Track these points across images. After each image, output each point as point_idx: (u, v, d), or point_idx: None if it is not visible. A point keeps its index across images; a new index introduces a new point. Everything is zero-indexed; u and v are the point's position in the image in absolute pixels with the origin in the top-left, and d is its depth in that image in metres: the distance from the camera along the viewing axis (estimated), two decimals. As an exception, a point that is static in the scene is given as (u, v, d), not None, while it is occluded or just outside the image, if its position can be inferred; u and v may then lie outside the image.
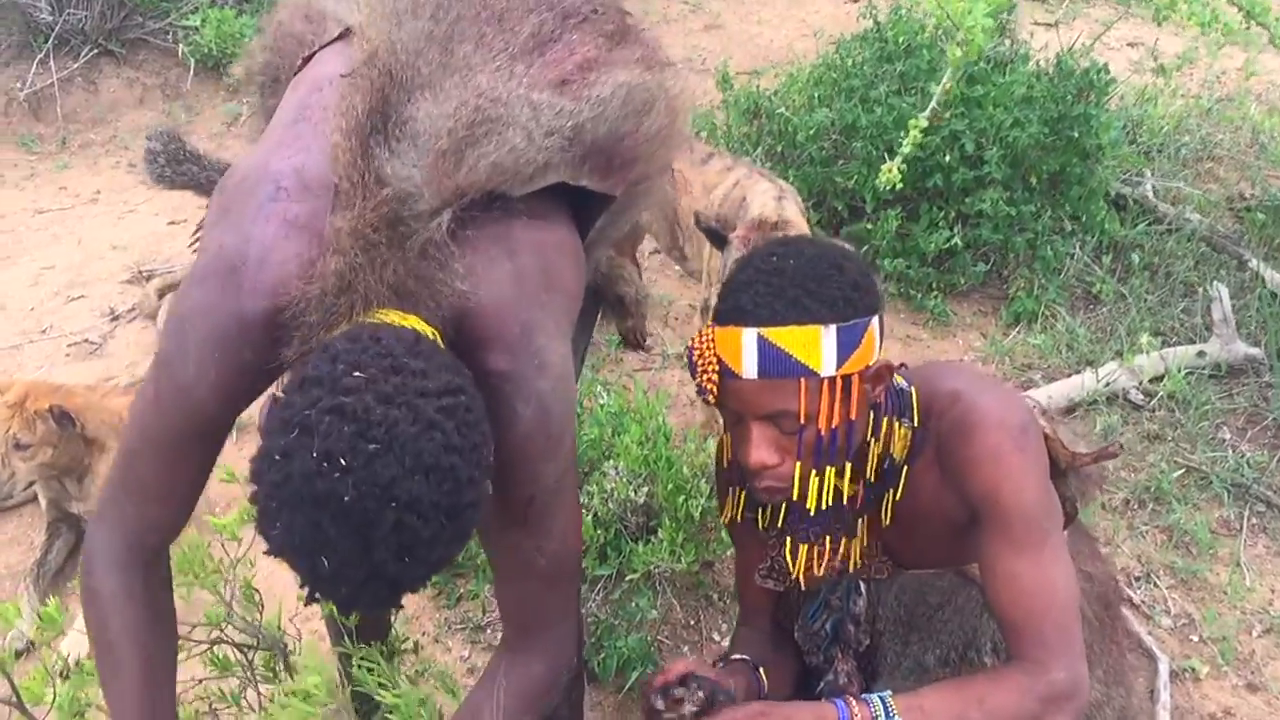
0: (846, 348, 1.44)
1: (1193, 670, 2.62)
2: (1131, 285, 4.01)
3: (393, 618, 2.31)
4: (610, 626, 2.61)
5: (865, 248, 4.07)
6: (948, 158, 3.84)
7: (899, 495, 1.61)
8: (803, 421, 1.46)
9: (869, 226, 4.04)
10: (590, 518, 2.68)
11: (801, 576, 1.70)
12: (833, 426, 1.46)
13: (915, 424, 1.59)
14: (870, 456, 1.58)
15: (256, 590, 1.79)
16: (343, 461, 1.08)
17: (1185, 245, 4.18)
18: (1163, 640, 2.70)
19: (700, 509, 2.79)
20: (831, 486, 1.51)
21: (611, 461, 2.77)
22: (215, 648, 1.80)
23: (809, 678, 1.84)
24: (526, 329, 1.32)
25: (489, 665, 1.54)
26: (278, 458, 1.10)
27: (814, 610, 1.81)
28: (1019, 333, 3.94)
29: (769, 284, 1.45)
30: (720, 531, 2.83)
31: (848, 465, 1.53)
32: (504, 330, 1.31)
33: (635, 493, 2.70)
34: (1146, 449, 3.33)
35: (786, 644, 1.83)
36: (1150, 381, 3.56)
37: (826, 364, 1.44)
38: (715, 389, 1.48)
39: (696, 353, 1.50)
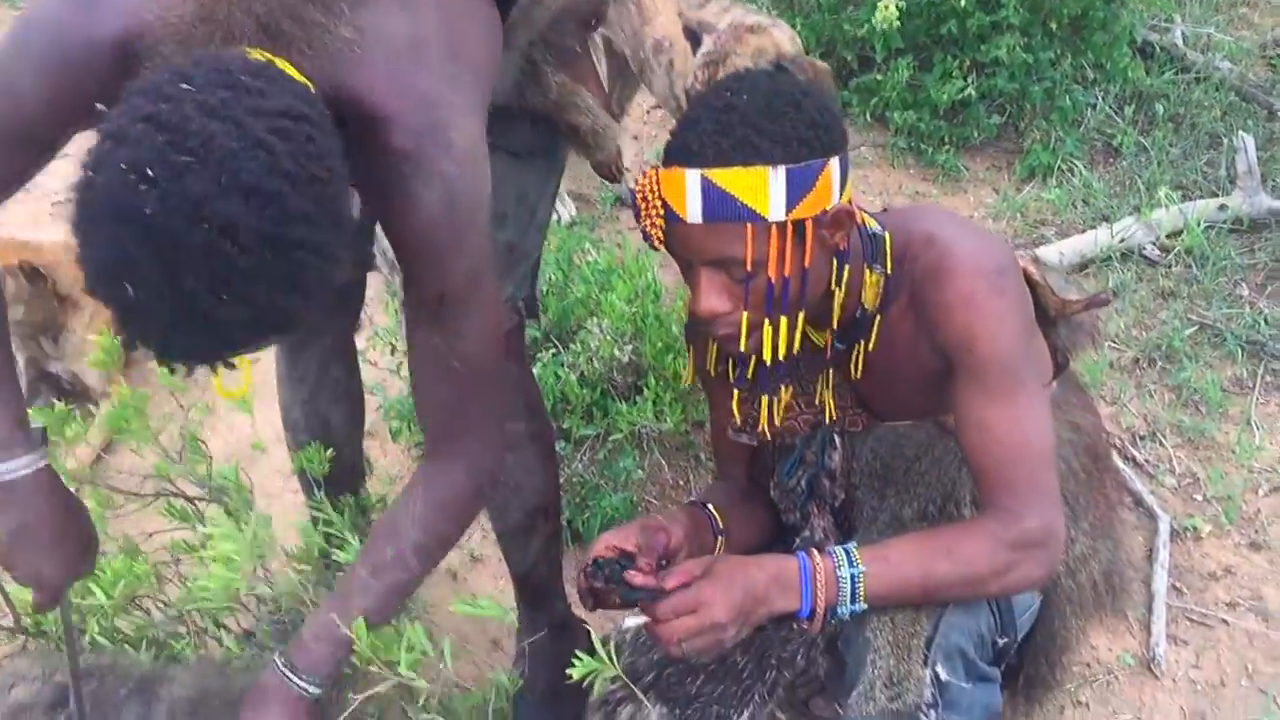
0: (798, 190, 1.34)
1: (1194, 529, 2.55)
2: (1154, 138, 3.83)
3: (365, 476, 2.27)
4: (595, 487, 2.56)
5: (875, 100, 3.90)
6: (963, 2, 3.63)
7: (872, 345, 1.52)
8: (750, 269, 1.37)
9: (879, 78, 3.86)
10: (576, 377, 2.63)
11: (770, 430, 1.62)
12: (784, 275, 1.37)
13: (888, 270, 1.49)
14: (835, 306, 1.48)
15: (204, 442, 1.73)
16: (150, 173, 0.96)
17: (1213, 95, 3.99)
18: (1165, 500, 2.63)
19: (685, 376, 2.73)
20: (786, 337, 1.42)
21: (597, 319, 2.69)
22: (173, 500, 1.76)
23: (787, 535, 1.78)
24: (427, 103, 1.20)
25: (411, 477, 1.47)
26: (88, 171, 1.00)
27: (789, 466, 1.74)
28: (1033, 188, 3.78)
29: (717, 121, 1.34)
30: (711, 391, 2.76)
31: (801, 315, 1.44)
32: (401, 103, 1.18)
33: (621, 351, 2.63)
34: (1160, 306, 3.21)
35: (758, 498, 1.78)
36: (1168, 237, 3.41)
37: (775, 208, 1.34)
38: (660, 234, 1.40)
39: (640, 195, 1.41)
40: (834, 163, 1.36)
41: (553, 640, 2.01)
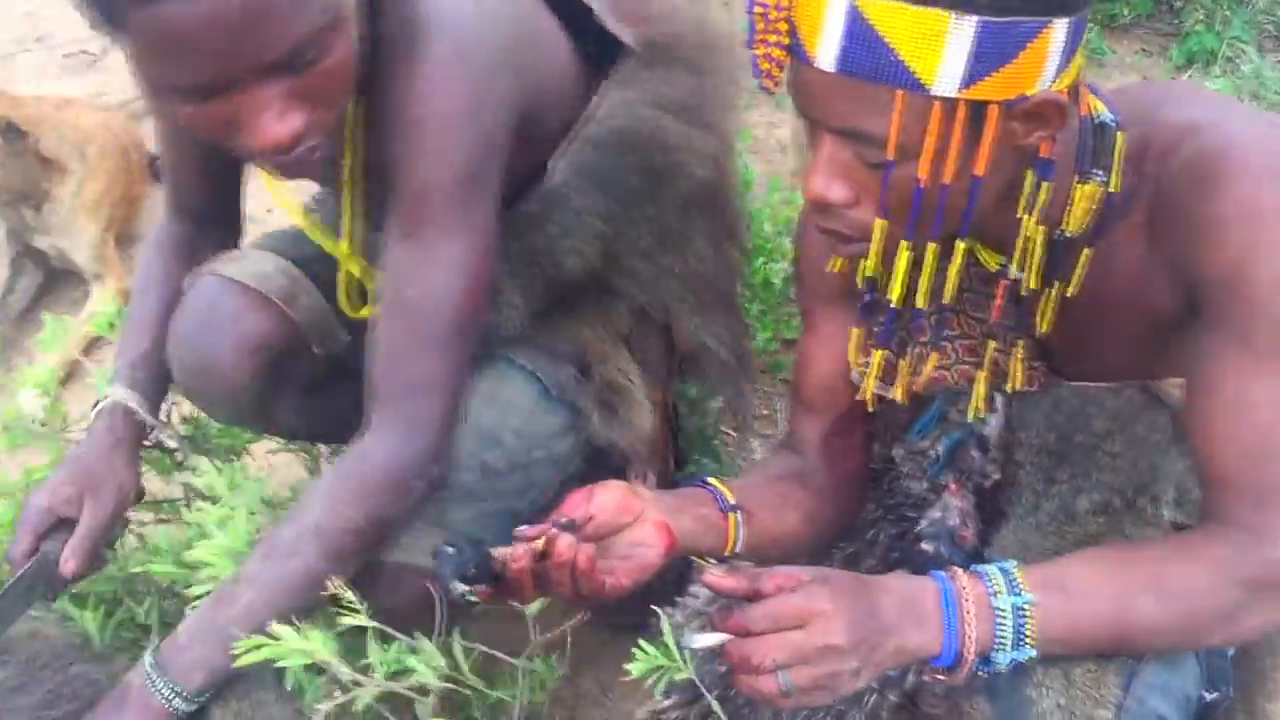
0: (988, 58, 0.89)
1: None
2: (1344, 18, 3.29)
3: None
4: (665, 412, 2.14)
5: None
6: None
7: (1072, 287, 1.07)
8: (891, 155, 0.93)
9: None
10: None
11: (904, 390, 1.19)
12: (940, 177, 0.93)
13: (1114, 180, 1.02)
14: (1022, 235, 1.03)
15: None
16: None
17: None
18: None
19: (783, 276, 2.32)
20: (931, 270, 1.00)
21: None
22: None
23: (906, 510, 1.34)
24: None
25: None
26: None
27: (925, 421, 1.30)
28: (1192, 76, 3.28)
29: None
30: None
31: (961, 245, 1.00)
32: None
33: (703, 252, 2.20)
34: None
35: (824, 482, 1.31)
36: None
37: (945, 76, 0.89)
38: (776, 70, 0.96)
39: (759, 9, 0.95)
40: (1057, 27, 0.90)
41: None
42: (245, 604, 1.12)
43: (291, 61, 1.02)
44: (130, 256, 2.72)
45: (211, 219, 1.50)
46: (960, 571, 1.03)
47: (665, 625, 1.04)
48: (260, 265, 1.39)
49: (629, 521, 1.10)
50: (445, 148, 1.14)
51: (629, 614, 1.73)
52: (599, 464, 1.50)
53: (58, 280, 2.65)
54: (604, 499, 1.09)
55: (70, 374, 2.30)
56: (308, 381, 1.31)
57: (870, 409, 1.24)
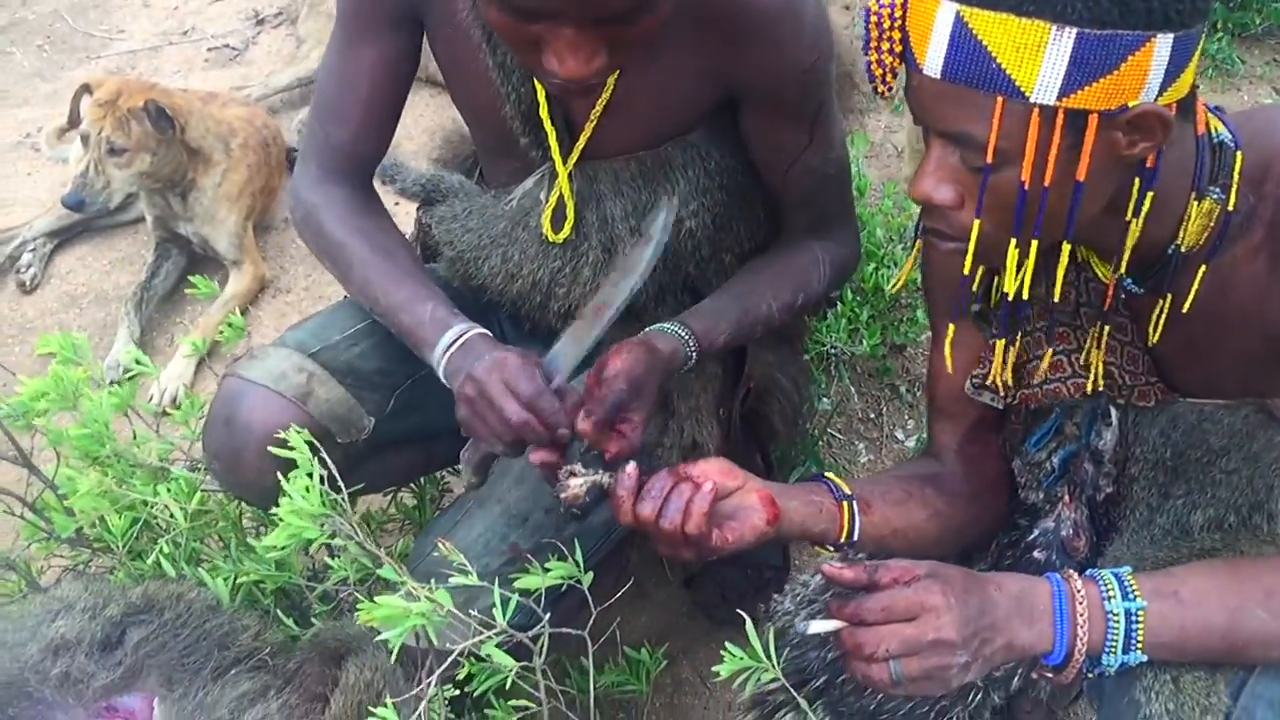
0: (1087, 68, 0.90)
1: None
2: None
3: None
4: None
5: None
6: None
7: (1189, 303, 1.08)
8: (990, 159, 0.96)
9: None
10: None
11: (1023, 393, 1.21)
12: (1042, 181, 0.95)
13: (1231, 200, 1.03)
14: (1127, 239, 1.04)
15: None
16: None
17: None
18: None
19: (895, 282, 2.30)
20: (1033, 267, 1.02)
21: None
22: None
23: (1022, 517, 1.36)
24: None
25: (791, 245, 1.53)
26: None
27: (1041, 435, 1.30)
28: (1325, 89, 3.16)
29: None
30: (916, 310, 2.32)
31: (1066, 246, 1.02)
32: None
33: (816, 256, 2.22)
34: None
35: (961, 487, 1.32)
36: None
37: (1044, 84, 0.92)
38: (890, 75, 1.02)
39: (874, 19, 1.00)
40: (1160, 42, 0.90)
41: None
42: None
43: (624, 17, 1.07)
44: (265, 245, 2.84)
45: (367, 175, 1.51)
46: (1075, 574, 1.05)
47: (750, 628, 1.09)
48: (278, 365, 1.41)
49: (735, 487, 1.14)
50: (824, 79, 1.40)
51: (727, 605, 1.77)
52: None
53: (199, 265, 2.75)
54: (706, 466, 1.14)
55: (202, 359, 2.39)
56: (343, 465, 1.27)
57: (1003, 397, 1.25)
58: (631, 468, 1.13)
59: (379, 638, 1.14)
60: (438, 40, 1.40)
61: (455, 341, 1.31)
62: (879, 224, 2.42)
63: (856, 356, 2.30)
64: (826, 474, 1.26)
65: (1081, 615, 1.03)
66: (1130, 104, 0.93)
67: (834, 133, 1.46)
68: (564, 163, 1.39)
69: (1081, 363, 1.21)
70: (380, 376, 1.49)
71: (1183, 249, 1.06)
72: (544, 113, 1.35)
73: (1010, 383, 1.22)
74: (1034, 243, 1.01)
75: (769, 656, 1.08)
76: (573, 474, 1.17)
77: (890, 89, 1.04)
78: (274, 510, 1.14)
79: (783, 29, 1.30)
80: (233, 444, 1.38)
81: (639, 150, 1.40)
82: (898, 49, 1.00)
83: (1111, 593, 1.03)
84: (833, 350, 2.26)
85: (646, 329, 1.36)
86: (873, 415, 2.30)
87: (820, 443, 2.19)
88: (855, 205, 1.62)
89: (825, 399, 2.24)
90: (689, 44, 1.25)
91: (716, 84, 1.36)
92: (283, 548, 1.13)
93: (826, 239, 1.52)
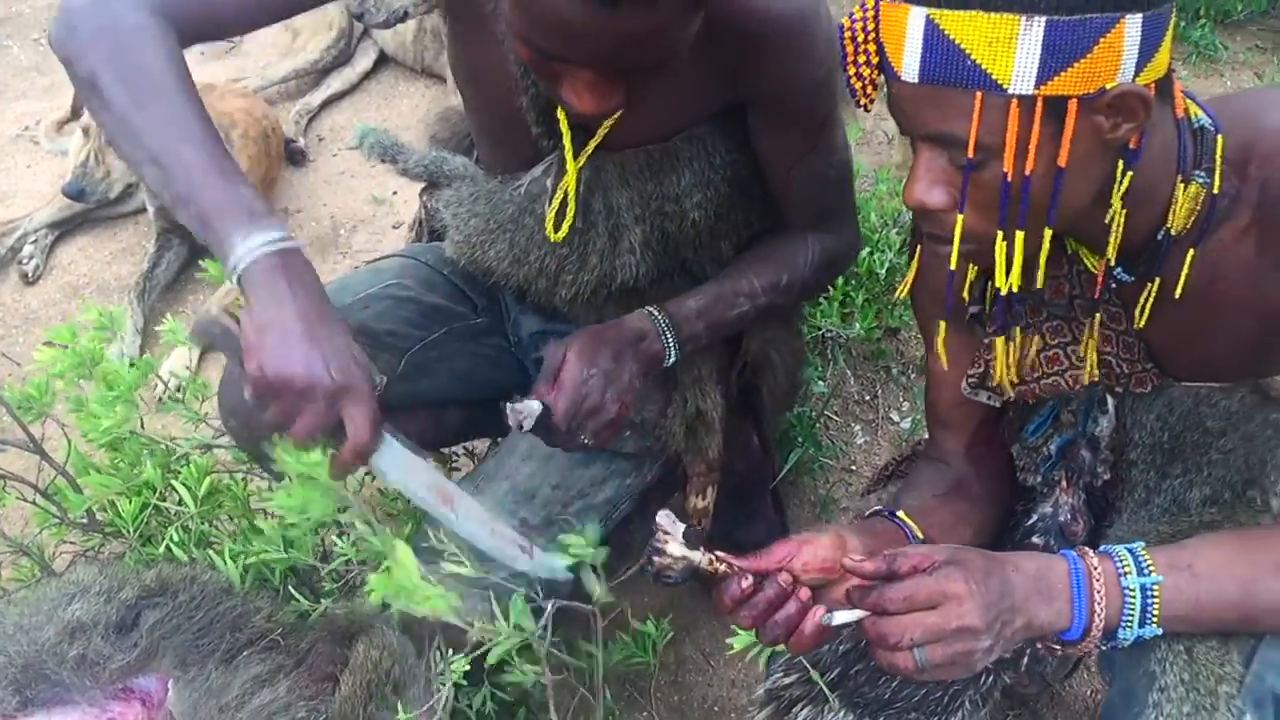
0: (1059, 55, 0.93)
1: None
2: None
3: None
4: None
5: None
6: None
7: (1180, 288, 1.11)
8: (972, 154, 0.98)
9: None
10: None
11: (1019, 389, 1.23)
12: (1024, 170, 0.97)
13: (1216, 182, 1.06)
14: (1114, 225, 1.07)
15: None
16: None
17: None
18: None
19: (887, 266, 2.38)
20: (1021, 256, 1.04)
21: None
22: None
23: (1019, 502, 1.39)
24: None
25: (783, 233, 1.58)
26: None
27: (1038, 425, 1.33)
28: (1311, 74, 3.20)
29: None
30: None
31: (1047, 232, 1.03)
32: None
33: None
34: None
35: (970, 490, 1.35)
36: None
37: (1019, 75, 0.94)
38: (870, 87, 1.04)
39: (849, 35, 1.02)
40: (1129, 23, 0.93)
41: None
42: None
43: (645, 68, 1.13)
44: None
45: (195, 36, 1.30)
46: (1090, 551, 1.07)
47: None
48: None
49: (833, 580, 1.13)
50: (828, 89, 1.43)
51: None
52: (662, 480, 1.63)
53: (201, 255, 2.70)
54: (810, 555, 1.12)
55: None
56: None
57: (1008, 395, 1.26)
58: (748, 582, 1.09)
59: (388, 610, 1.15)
60: (460, 18, 1.41)
61: (273, 241, 1.15)
62: (873, 209, 2.45)
63: (851, 340, 2.33)
64: (900, 514, 1.26)
65: (1099, 592, 1.05)
66: (1108, 86, 0.95)
67: (838, 136, 1.50)
68: (574, 158, 1.41)
69: (1079, 355, 1.23)
70: (391, 338, 1.51)
71: (1173, 233, 1.08)
72: (561, 113, 1.38)
73: (1015, 380, 1.24)
74: (1021, 236, 1.02)
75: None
76: (670, 540, 1.10)
77: (872, 101, 1.06)
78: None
79: (795, 42, 1.33)
80: (248, 413, 1.39)
81: (647, 144, 1.42)
82: (874, 60, 1.02)
83: (1127, 568, 1.05)
84: (828, 334, 2.29)
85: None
86: (868, 397, 2.33)
87: (818, 425, 2.22)
88: (855, 202, 1.66)
89: (821, 382, 2.27)
90: (703, 51, 1.27)
91: (727, 89, 1.39)
92: (294, 520, 1.13)
93: (823, 232, 1.56)
